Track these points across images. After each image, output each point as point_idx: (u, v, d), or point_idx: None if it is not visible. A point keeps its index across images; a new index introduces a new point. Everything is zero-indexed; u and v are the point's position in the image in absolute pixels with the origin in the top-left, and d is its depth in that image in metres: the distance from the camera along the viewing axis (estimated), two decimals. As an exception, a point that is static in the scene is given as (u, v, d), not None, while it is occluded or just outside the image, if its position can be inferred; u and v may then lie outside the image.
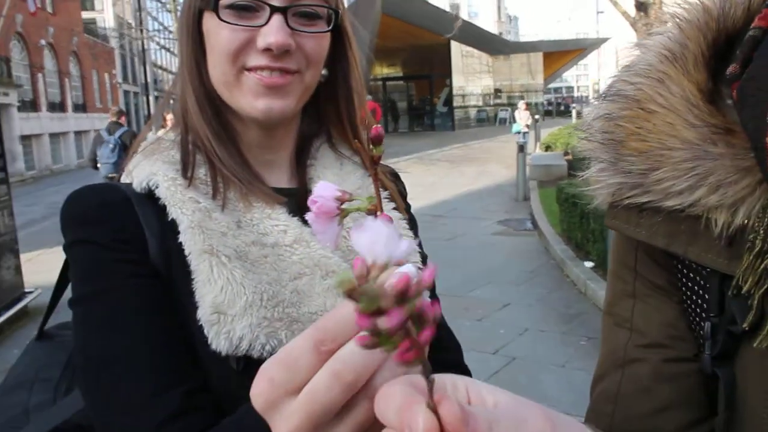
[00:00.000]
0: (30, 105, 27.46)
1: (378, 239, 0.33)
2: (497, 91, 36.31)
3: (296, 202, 0.86)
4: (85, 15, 37.47)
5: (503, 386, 0.41)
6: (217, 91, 0.84)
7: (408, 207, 1.01)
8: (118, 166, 8.23)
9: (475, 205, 12.11)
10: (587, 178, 0.69)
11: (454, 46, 32.02)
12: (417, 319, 0.34)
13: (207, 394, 0.75)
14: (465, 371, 0.99)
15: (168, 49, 47.56)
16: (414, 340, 0.33)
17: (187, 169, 0.83)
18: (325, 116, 0.94)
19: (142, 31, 37.28)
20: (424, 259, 0.99)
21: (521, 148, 12.56)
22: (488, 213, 11.20)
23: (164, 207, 0.80)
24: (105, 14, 42.01)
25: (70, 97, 32.53)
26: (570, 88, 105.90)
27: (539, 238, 9.02)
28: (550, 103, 41.37)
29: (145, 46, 38.81)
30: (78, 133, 32.05)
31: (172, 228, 0.79)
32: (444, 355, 0.95)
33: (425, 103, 34.81)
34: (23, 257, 8.69)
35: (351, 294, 0.32)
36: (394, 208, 0.94)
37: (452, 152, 22.21)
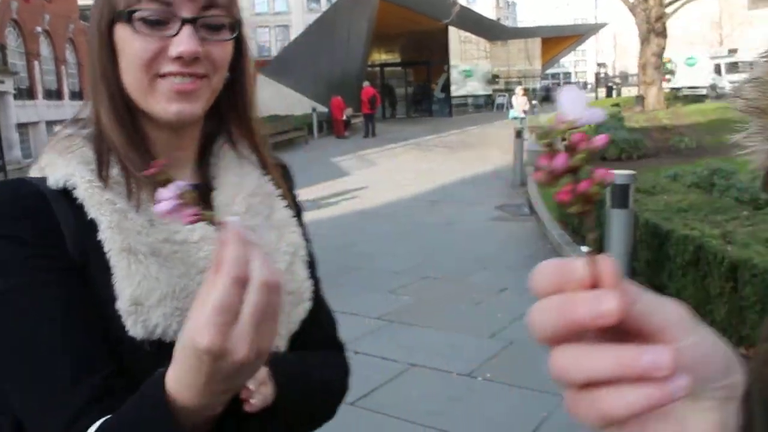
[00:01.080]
0: (26, 93, 27.37)
1: (579, 101, 0.41)
2: (495, 77, 36.14)
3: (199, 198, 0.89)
4: (81, 2, 37.21)
5: (502, 370, 0.41)
6: (130, 96, 0.89)
7: (297, 200, 1.11)
8: None
9: (472, 191, 12.10)
10: (737, 142, 0.67)
11: (452, 31, 31.88)
12: (580, 171, 0.41)
13: (122, 379, 0.80)
14: (338, 347, 1.11)
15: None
16: (575, 188, 0.41)
17: (101, 170, 0.88)
18: (226, 117, 1.00)
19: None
20: (310, 254, 1.08)
21: (518, 134, 12.54)
22: (485, 198, 11.19)
23: (80, 206, 0.85)
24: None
25: (67, 84, 32.40)
26: (568, 74, 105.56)
27: (536, 224, 9.02)
28: (547, 89, 41.16)
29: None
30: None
31: (88, 226, 0.84)
32: (317, 330, 1.03)
33: (423, 89, 34.69)
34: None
35: (540, 135, 0.41)
36: (285, 206, 1.03)
37: (450, 138, 22.17)
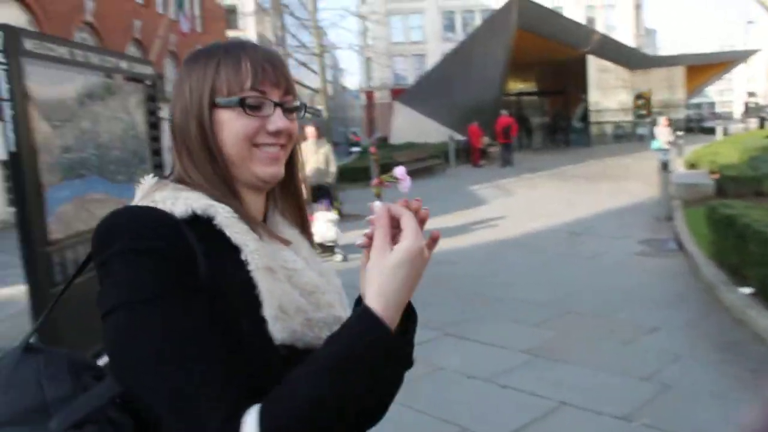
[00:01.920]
0: (179, 119, 29.28)
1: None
2: (636, 108, 34.87)
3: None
4: (230, 34, 39.56)
5: (661, 416, 0.37)
6: (227, 163, 1.08)
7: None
8: None
9: (614, 224, 11.63)
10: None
11: (591, 60, 31.14)
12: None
13: (257, 382, 0.92)
14: None
15: (305, 65, 49.27)
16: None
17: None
18: (277, 188, 1.21)
19: (284, 47, 38.84)
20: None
21: (664, 166, 11.97)
22: (628, 232, 10.72)
23: (215, 232, 1.00)
24: (248, 33, 44.20)
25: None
26: (712, 104, 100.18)
27: (685, 260, 8.52)
28: (690, 120, 38.99)
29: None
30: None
31: (223, 249, 1.00)
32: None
33: (560, 119, 34.01)
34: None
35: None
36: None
37: (588, 168, 21.56)
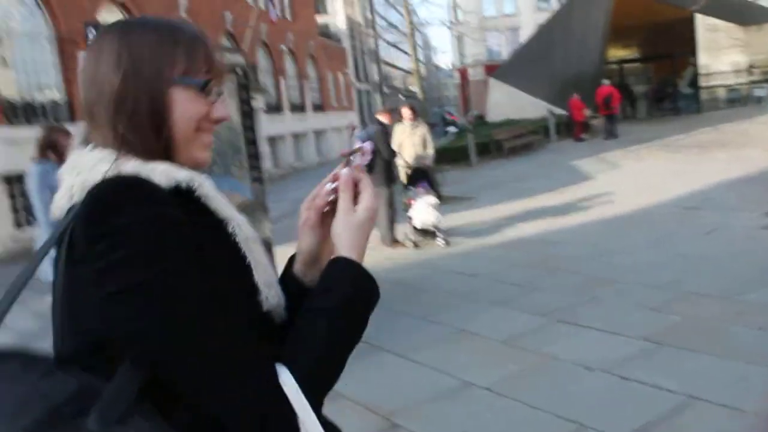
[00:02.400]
0: (275, 108, 29.76)
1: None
2: (751, 68, 32.50)
3: None
4: (319, 19, 39.78)
5: None
6: (169, 142, 1.03)
7: None
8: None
9: (734, 195, 10.77)
10: None
11: (699, 19, 29.23)
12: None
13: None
14: None
15: (395, 46, 49.03)
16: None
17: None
18: None
19: (374, 29, 38.69)
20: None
21: (790, 129, 10.98)
22: (750, 203, 9.88)
23: (198, 203, 1.00)
24: (337, 17, 44.35)
25: (309, 98, 34.76)
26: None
27: (821, 233, 7.74)
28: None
29: (375, 45, 40.19)
30: (317, 133, 34.17)
31: (203, 221, 0.99)
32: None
33: (667, 85, 32.19)
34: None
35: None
36: None
37: (700, 137, 20.25)
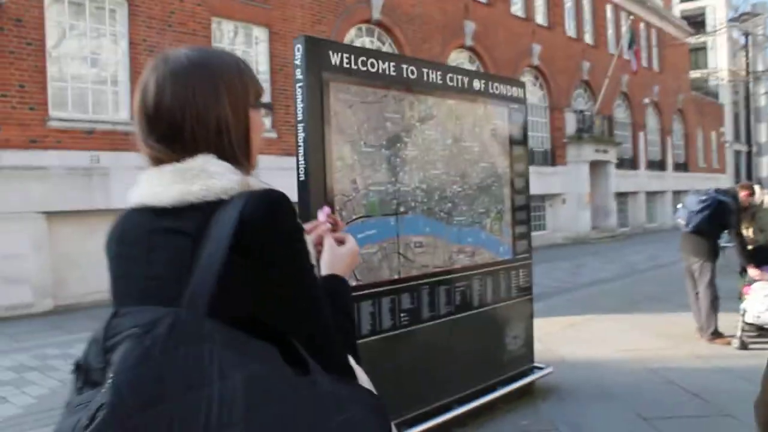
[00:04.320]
0: (628, 163, 27.73)
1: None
2: None
3: None
4: (695, 74, 36.48)
5: None
6: (251, 154, 1.27)
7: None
8: (693, 221, 6.86)
9: None
10: None
11: None
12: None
13: None
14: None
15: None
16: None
17: None
18: None
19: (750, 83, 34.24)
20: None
21: None
22: None
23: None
24: (720, 71, 40.26)
25: (671, 155, 31.84)
26: None
27: None
28: None
29: (758, 102, 35.43)
30: (676, 193, 31.04)
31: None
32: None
33: None
34: (567, 319, 8.03)
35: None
36: None
37: None
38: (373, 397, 1.19)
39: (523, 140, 5.18)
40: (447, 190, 4.38)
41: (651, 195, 29.64)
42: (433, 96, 4.28)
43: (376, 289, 3.79)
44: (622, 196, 26.76)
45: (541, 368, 5.19)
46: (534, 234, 21.35)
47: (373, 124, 3.86)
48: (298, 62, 3.54)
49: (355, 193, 3.74)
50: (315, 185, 3.52)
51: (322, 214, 1.50)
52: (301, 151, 3.55)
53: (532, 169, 19.47)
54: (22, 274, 9.94)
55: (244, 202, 1.09)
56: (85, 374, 1.01)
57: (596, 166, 24.07)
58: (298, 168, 3.56)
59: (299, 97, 3.54)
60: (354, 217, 3.73)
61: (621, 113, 27.80)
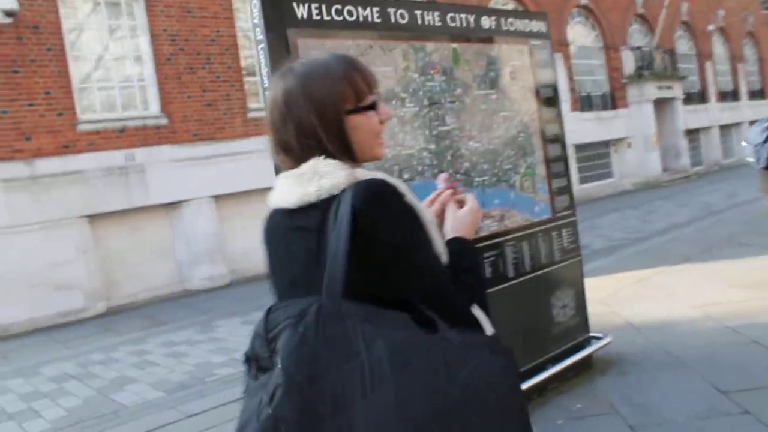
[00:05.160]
0: (696, 97, 26.04)
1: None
2: None
3: None
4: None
5: None
6: (357, 154, 1.38)
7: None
8: (763, 155, 6.11)
9: None
10: None
11: None
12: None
13: None
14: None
15: None
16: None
17: None
18: None
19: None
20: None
21: None
22: None
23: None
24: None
25: (744, 83, 29.80)
26: None
27: None
28: None
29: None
30: (753, 123, 29.01)
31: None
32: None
33: None
34: (635, 274, 7.30)
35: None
36: None
37: None
38: (497, 342, 1.26)
39: (552, 81, 4.51)
40: (462, 147, 3.79)
41: (725, 129, 27.79)
42: (432, 41, 3.68)
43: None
44: (692, 133, 25.15)
45: (598, 338, 4.56)
46: (600, 183, 20.69)
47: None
48: (256, 21, 3.01)
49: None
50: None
51: (440, 180, 1.62)
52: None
53: (591, 114, 18.47)
54: (72, 280, 9.85)
55: (353, 193, 1.24)
56: (257, 363, 1.23)
57: (661, 105, 22.63)
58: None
59: (262, 62, 3.02)
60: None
61: (683, 45, 26.03)
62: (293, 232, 1.34)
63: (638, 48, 22.41)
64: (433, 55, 3.68)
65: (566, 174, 4.56)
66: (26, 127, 9.71)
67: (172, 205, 11.12)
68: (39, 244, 9.62)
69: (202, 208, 11.18)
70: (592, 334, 4.57)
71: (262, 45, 3.00)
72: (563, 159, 4.54)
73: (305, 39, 3.10)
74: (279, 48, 3.00)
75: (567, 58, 19.16)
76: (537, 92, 4.35)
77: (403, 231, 1.27)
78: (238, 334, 7.33)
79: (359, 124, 1.36)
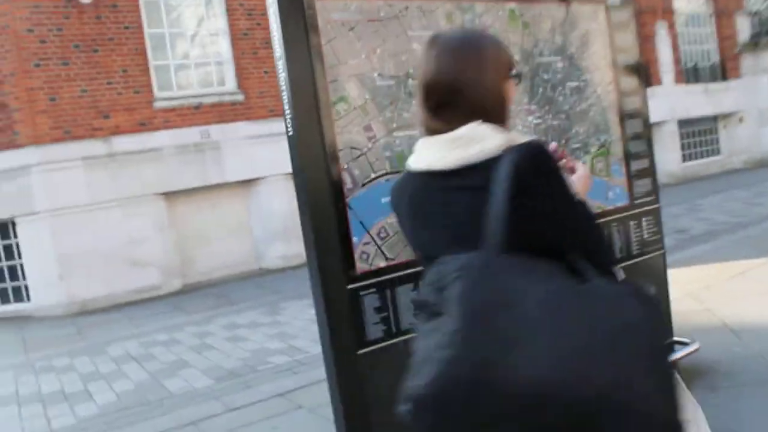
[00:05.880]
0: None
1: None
2: None
3: None
4: None
5: None
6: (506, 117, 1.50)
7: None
8: None
9: None
10: None
11: None
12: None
13: None
14: None
15: None
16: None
17: None
18: None
19: None
20: None
21: None
22: None
23: None
24: None
25: None
26: None
27: None
28: None
29: None
30: None
31: None
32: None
33: None
34: (736, 265, 6.49)
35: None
36: None
37: None
38: (642, 289, 1.31)
39: (633, 46, 3.88)
40: (519, 123, 3.27)
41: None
42: (483, 1, 3.16)
43: (415, 269, 2.82)
44: None
45: (684, 343, 3.94)
46: (706, 160, 19.24)
47: (391, 49, 2.83)
48: (267, -23, 2.60)
49: (371, 144, 2.76)
50: (306, 139, 2.60)
51: (551, 150, 1.68)
52: (285, 97, 2.63)
53: (697, 87, 17.03)
54: (148, 257, 9.89)
55: (514, 154, 1.32)
56: (429, 309, 1.32)
57: (779, 75, 20.81)
58: (285, 120, 2.66)
59: (274, 26, 2.61)
60: (372, 175, 2.76)
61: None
62: (451, 192, 1.41)
63: (756, 13, 20.58)
64: (484, 17, 3.16)
65: (649, 154, 3.94)
66: (104, 105, 9.74)
67: (248, 183, 10.98)
68: (117, 221, 9.69)
69: (277, 186, 10.97)
70: (676, 339, 3.95)
71: (273, 7, 2.58)
72: (645, 137, 3.92)
73: (324, 1, 2.67)
74: (293, 9, 2.58)
75: (671, 26, 17.81)
76: (614, 59, 3.74)
77: (561, 187, 1.36)
78: (301, 318, 7.07)
79: (509, 91, 1.48)
